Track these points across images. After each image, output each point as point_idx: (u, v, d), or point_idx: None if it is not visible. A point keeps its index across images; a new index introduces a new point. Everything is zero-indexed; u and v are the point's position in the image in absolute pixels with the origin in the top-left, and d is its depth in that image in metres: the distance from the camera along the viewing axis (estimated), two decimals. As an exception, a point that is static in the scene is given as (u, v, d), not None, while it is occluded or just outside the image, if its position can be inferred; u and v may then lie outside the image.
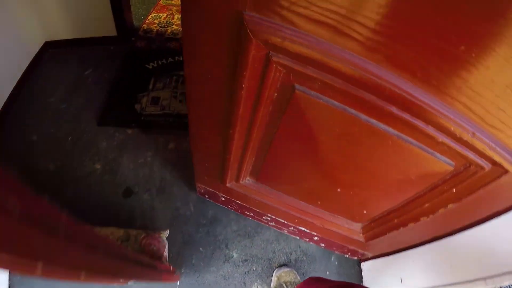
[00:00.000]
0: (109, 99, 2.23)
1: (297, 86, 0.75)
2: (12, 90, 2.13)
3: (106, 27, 2.51)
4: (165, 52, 2.60)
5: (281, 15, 0.63)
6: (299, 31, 0.63)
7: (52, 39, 2.48)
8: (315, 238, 1.60)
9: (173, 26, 2.91)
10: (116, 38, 2.60)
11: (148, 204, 1.79)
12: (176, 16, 3.04)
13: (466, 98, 0.62)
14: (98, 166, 1.90)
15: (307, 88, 0.74)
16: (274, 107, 0.85)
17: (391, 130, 0.75)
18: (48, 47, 2.49)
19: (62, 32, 2.45)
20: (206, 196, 1.77)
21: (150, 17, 3.00)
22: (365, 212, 1.18)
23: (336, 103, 0.74)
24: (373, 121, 0.74)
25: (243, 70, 0.74)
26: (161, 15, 3.03)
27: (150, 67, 2.47)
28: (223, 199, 1.66)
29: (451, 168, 0.79)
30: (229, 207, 1.75)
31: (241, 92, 0.80)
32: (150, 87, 2.32)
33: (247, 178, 1.34)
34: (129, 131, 2.08)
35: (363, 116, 0.74)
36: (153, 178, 1.89)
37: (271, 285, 1.62)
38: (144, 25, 2.89)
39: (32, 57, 2.33)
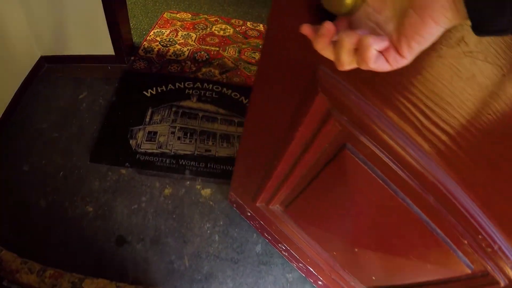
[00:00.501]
0: (102, 132, 2.10)
1: (348, 145, 0.79)
2: (5, 109, 2.05)
3: (103, 45, 2.36)
4: (165, 78, 2.46)
5: (353, 81, 0.68)
6: (365, 100, 0.68)
7: (48, 54, 2.37)
8: (319, 282, 1.61)
9: (176, 45, 2.75)
10: (114, 57, 2.44)
11: (141, 256, 1.69)
12: (180, 33, 2.87)
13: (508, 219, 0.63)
14: (90, 209, 1.81)
15: (357, 150, 0.79)
16: (321, 155, 0.90)
17: (422, 215, 0.77)
18: (44, 62, 2.40)
19: (58, 47, 2.35)
20: (235, 205, 1.84)
21: (152, 33, 2.84)
22: (373, 278, 1.18)
23: (379, 173, 0.78)
24: (409, 201, 0.77)
25: (302, 116, 0.80)
26: (164, 31, 2.88)
27: (148, 94, 2.33)
28: (249, 214, 1.72)
29: (468, 271, 0.80)
30: (251, 223, 1.81)
31: (295, 134, 0.86)
32: (147, 119, 2.19)
33: (277, 205, 1.39)
34: (123, 171, 1.96)
35: (401, 194, 0.77)
36: (147, 227, 1.78)
37: None
38: (145, 42, 2.74)
39: (28, 72, 2.24)
